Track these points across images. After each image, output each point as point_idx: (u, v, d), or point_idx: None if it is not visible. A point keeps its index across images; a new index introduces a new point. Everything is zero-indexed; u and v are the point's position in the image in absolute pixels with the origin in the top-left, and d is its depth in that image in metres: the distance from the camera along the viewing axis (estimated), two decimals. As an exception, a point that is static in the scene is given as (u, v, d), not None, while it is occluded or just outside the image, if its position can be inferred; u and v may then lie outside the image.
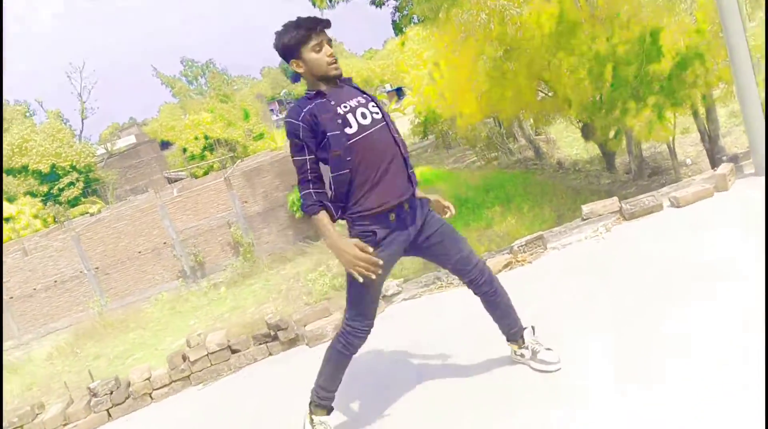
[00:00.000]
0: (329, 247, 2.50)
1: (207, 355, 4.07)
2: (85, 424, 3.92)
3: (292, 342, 4.15)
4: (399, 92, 57.34)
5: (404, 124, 39.50)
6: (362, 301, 2.63)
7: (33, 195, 35.39)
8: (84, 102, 48.54)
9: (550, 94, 20.66)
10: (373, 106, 2.56)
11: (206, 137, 40.73)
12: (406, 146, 2.63)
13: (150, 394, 4.05)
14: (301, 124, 2.46)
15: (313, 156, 2.48)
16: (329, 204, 2.51)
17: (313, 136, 2.45)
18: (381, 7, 29.75)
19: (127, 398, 4.01)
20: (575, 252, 4.20)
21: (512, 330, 2.87)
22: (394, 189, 2.51)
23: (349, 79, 2.64)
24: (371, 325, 2.69)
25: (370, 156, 2.47)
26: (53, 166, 36.27)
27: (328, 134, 2.42)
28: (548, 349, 2.83)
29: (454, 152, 33.76)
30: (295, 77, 2.63)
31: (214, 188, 24.82)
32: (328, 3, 27.62)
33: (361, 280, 2.45)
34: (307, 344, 4.12)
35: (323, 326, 4.11)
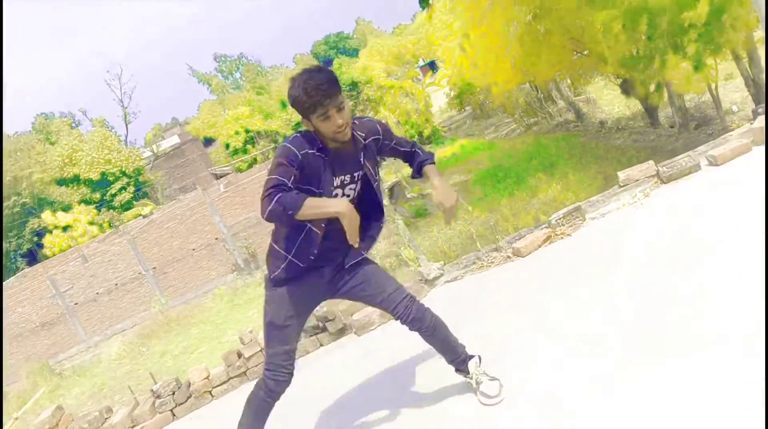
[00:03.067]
0: (335, 212, 2.48)
1: (260, 350, 4.21)
2: (152, 425, 4.11)
3: (341, 332, 4.27)
4: (432, 66, 56.89)
5: (440, 98, 39.27)
6: (276, 340, 2.68)
7: (87, 202, 36.46)
8: (126, 107, 49.56)
9: (585, 52, 20.25)
10: (350, 188, 2.63)
11: (247, 131, 41.27)
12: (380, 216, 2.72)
13: (210, 392, 4.22)
14: (298, 156, 2.50)
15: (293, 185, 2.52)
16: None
17: (299, 171, 2.51)
18: (406, -18, 29.42)
19: (189, 397, 4.19)
20: (614, 221, 4.19)
21: (454, 362, 2.86)
22: (326, 255, 2.65)
23: (359, 134, 2.62)
24: (286, 372, 2.68)
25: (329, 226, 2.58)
26: (103, 173, 37.25)
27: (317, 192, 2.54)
28: (492, 379, 2.79)
29: (493, 122, 33.44)
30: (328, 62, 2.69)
31: (260, 180, 25.14)
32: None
33: None
34: (355, 333, 4.23)
35: (369, 314, 4.20)
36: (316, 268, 2.67)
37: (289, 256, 2.63)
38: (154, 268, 24.66)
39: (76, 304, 23.85)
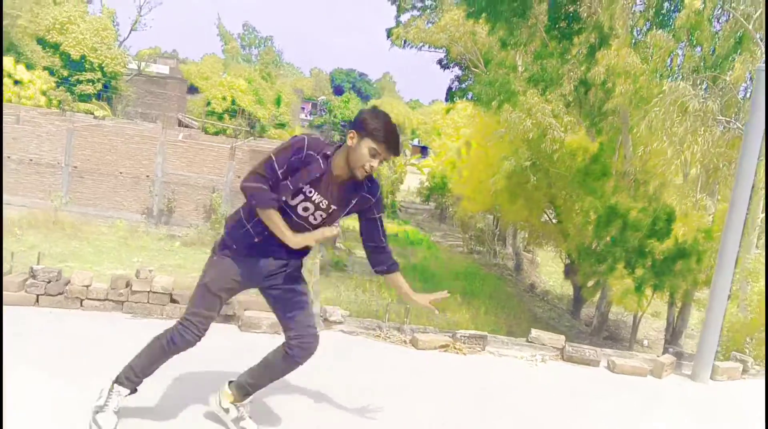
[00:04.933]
0: (285, 240, 2.70)
1: (149, 292, 4.23)
2: (13, 297, 4.05)
3: (227, 318, 4.32)
4: (424, 150, 58.11)
5: (414, 180, 40.02)
6: (203, 303, 2.82)
7: (52, 73, 35.35)
8: (141, 14, 48.82)
9: (554, 220, 21.16)
10: (319, 214, 2.76)
11: (233, 102, 41.06)
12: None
13: (82, 301, 4.19)
14: (305, 152, 2.68)
15: (283, 178, 2.69)
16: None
17: (295, 169, 2.68)
18: (444, 70, 30.41)
19: (59, 294, 4.16)
20: (505, 365, 4.44)
21: (238, 383, 3.00)
22: (273, 251, 2.79)
23: (364, 185, 2.79)
24: (196, 335, 2.82)
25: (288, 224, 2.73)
26: (83, 56, 36.33)
27: (302, 190, 2.71)
28: (251, 421, 2.96)
29: (445, 228, 34.17)
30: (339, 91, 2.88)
31: (217, 151, 24.99)
32: (402, 43, 28.38)
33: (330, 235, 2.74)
34: (239, 326, 4.30)
35: (261, 318, 4.28)
36: (263, 256, 2.80)
37: (248, 226, 2.78)
38: (75, 167, 23.95)
39: (-17, 154, 22.84)
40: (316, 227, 2.77)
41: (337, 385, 3.51)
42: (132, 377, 2.84)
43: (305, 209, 2.74)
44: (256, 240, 2.78)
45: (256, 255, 2.80)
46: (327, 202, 2.74)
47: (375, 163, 2.67)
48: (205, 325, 2.82)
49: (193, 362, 3.65)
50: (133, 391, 2.87)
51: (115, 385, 2.84)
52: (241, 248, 2.80)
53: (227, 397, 2.99)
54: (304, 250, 2.82)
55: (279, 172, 2.66)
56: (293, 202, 2.72)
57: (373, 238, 2.95)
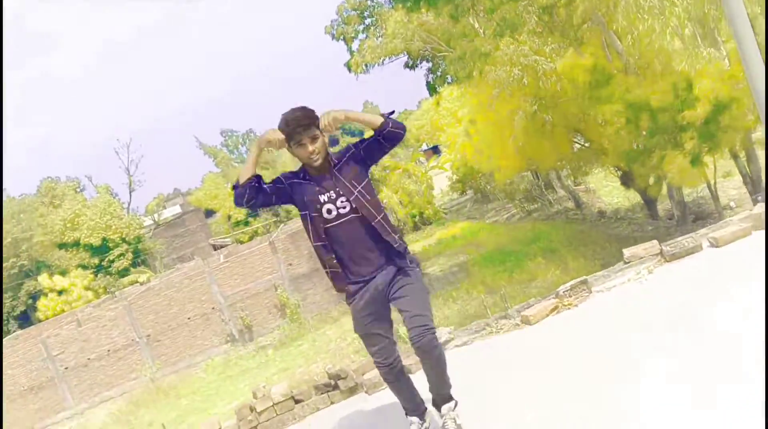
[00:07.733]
0: (259, 142, 3.09)
1: (272, 405, 4.30)
2: (162, 475, 4.15)
3: (352, 390, 4.36)
4: (436, 150, 58.05)
5: (442, 181, 39.93)
6: (367, 344, 3.18)
7: (84, 267, 36.42)
8: (131, 175, 50.14)
9: (586, 144, 20.83)
10: (341, 202, 3.05)
11: (249, 203, 41.67)
12: (386, 227, 3.07)
13: (221, 446, 4.28)
14: (283, 181, 3.14)
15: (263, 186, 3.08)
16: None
17: (275, 190, 3.11)
18: (414, 70, 30.44)
19: (199, 450, 4.25)
20: (619, 295, 4.36)
21: (437, 396, 3.24)
22: (361, 271, 3.09)
23: (339, 166, 3.09)
24: (384, 364, 3.13)
25: (339, 241, 3.07)
26: (104, 239, 37.39)
27: (309, 214, 3.07)
28: (457, 427, 3.13)
29: (494, 206, 33.89)
30: (333, 141, 3.10)
31: (260, 252, 25.32)
32: (364, 68, 28.59)
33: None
34: (366, 392, 4.33)
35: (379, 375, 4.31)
36: (365, 282, 3.10)
37: (326, 269, 3.14)
38: (148, 335, 24.48)
39: (67, 368, 23.53)
40: (345, 216, 3.04)
41: (504, 391, 3.47)
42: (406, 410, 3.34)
43: (329, 211, 3.05)
44: (340, 272, 3.08)
45: (362, 290, 3.09)
46: (333, 192, 3.06)
47: (309, 147, 3.01)
48: (382, 356, 3.14)
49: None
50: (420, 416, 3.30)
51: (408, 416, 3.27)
52: (352, 292, 3.12)
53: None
54: (384, 251, 3.07)
55: (265, 190, 3.07)
56: (315, 214, 3.05)
57: (374, 140, 3.17)
